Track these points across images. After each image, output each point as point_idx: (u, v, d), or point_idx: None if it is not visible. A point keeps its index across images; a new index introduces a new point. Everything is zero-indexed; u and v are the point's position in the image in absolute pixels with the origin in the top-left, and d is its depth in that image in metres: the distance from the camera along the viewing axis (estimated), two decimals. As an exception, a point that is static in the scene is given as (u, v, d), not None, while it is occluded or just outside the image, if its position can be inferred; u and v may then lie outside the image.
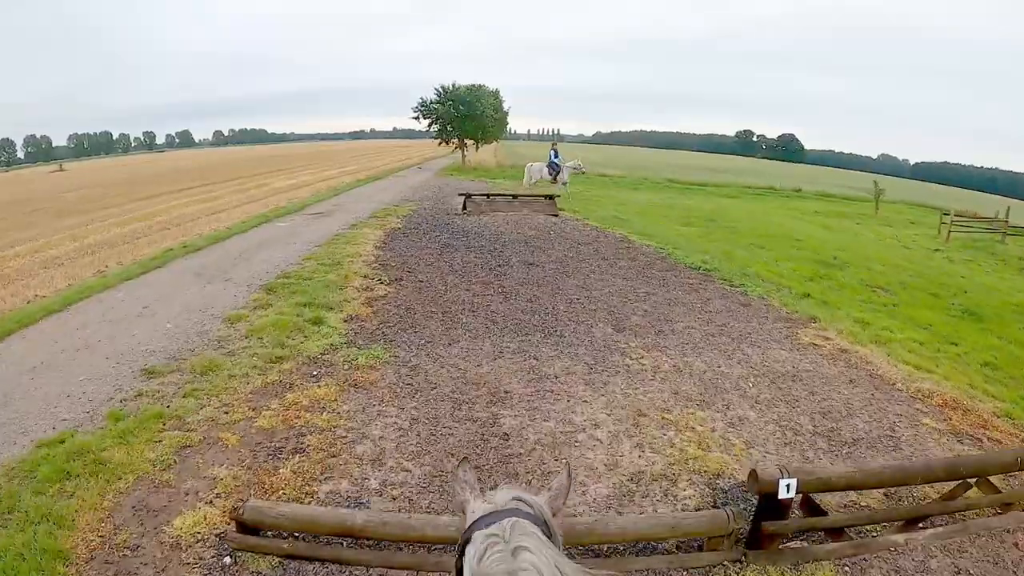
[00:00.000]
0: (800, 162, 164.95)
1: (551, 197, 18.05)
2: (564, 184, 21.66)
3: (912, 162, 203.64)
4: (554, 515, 1.35)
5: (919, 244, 21.99)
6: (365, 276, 10.18)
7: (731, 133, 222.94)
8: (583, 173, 22.65)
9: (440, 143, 37.75)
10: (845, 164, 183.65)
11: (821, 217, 26.84)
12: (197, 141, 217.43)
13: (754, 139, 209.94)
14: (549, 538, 1.24)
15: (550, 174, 22.03)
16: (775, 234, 18.31)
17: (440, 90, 36.70)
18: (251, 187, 27.67)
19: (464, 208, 16.95)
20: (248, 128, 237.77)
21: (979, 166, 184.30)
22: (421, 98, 36.92)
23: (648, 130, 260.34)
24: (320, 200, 21.17)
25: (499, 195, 18.22)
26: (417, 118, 37.11)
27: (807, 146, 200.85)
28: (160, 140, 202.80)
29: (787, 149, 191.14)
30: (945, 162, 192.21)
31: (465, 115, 36.12)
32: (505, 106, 63.71)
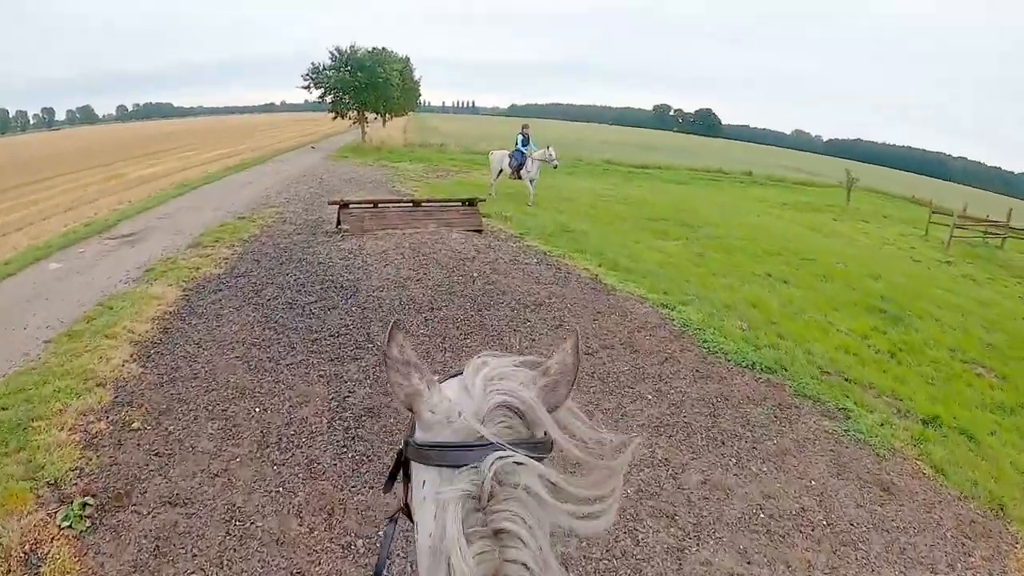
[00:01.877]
0: (717, 136, 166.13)
1: (471, 202, 12.29)
2: (531, 181, 15.95)
3: (825, 138, 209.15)
4: (552, 412, 0.92)
5: (922, 253, 17.81)
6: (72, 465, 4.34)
7: (648, 107, 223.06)
8: (555, 167, 16.54)
9: (335, 117, 30.99)
10: (760, 139, 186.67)
11: (793, 211, 22.45)
12: (101, 116, 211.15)
13: (671, 113, 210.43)
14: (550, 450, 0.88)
15: (510, 165, 16.15)
16: (777, 248, 13.50)
17: (335, 54, 29.94)
18: (97, 180, 20.65)
19: (338, 224, 11.00)
20: (154, 102, 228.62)
21: (892, 144, 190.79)
22: (312, 63, 30.12)
23: (565, 103, 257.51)
24: (152, 206, 14.63)
25: (391, 203, 12.32)
26: (308, 87, 30.18)
27: (723, 121, 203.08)
28: (60, 116, 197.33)
29: (704, 123, 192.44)
30: (859, 139, 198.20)
31: (365, 84, 29.51)
32: (416, 75, 57.43)
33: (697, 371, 6.46)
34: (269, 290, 7.94)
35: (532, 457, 0.86)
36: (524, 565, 0.80)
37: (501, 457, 0.84)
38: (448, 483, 0.86)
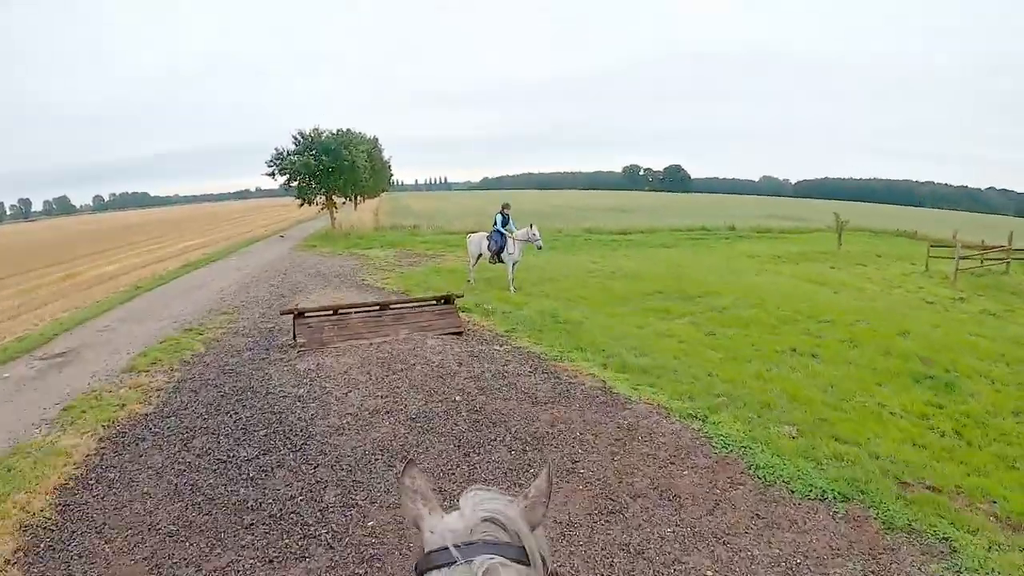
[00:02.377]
0: (688, 191, 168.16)
1: (448, 299, 10.71)
2: (514, 265, 14.26)
3: (793, 181, 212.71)
4: (533, 529, 1.14)
5: (932, 292, 16.63)
6: None
7: (618, 168, 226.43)
8: (539, 248, 14.48)
9: (301, 203, 29.66)
10: (729, 189, 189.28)
11: (788, 264, 21.24)
12: (78, 207, 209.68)
13: (640, 173, 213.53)
14: (528, 563, 1.06)
15: (489, 249, 14.41)
16: (790, 313, 12.18)
17: (299, 138, 28.93)
18: (51, 281, 19.01)
19: (295, 338, 9.39)
20: (130, 192, 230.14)
21: (858, 178, 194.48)
22: (276, 149, 29.03)
23: (536, 172, 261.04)
24: (96, 315, 12.95)
25: (355, 308, 10.39)
26: (272, 174, 28.98)
27: (692, 175, 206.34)
28: (37, 207, 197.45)
29: (674, 179, 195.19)
30: (826, 177, 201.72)
31: (331, 167, 28.39)
32: (386, 155, 56.99)
33: (759, 517, 4.89)
34: (201, 440, 6.27)
35: (513, 561, 1.02)
36: None
37: (489, 558, 1.00)
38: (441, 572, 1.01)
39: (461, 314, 10.98)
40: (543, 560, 1.11)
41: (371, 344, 9.04)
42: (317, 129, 28.78)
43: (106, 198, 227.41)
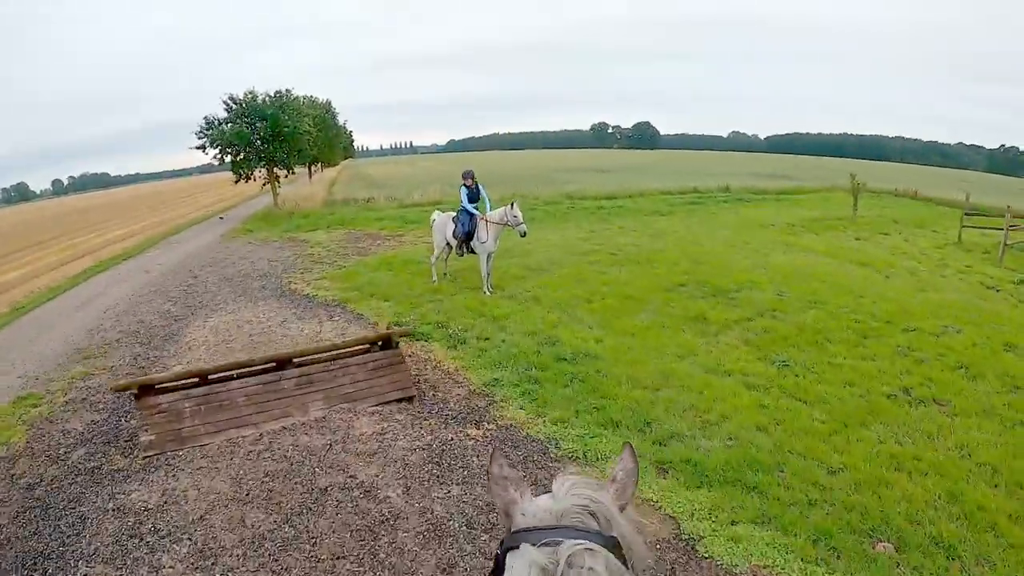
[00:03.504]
0: (657, 148, 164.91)
1: (389, 342, 6.75)
2: (488, 257, 10.62)
3: (763, 136, 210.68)
4: (622, 509, 1.14)
5: (986, 274, 13.68)
6: None
7: (585, 127, 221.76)
8: (523, 235, 10.41)
9: (237, 179, 25.43)
10: (698, 145, 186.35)
11: (810, 235, 18.03)
12: (38, 193, 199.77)
13: (609, 130, 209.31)
14: (618, 550, 1.02)
15: (455, 236, 10.70)
16: (863, 314, 9.14)
17: (230, 103, 24.33)
18: None
19: (145, 432, 5.58)
20: (91, 172, 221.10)
21: (828, 133, 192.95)
22: (205, 118, 24.39)
23: (503, 132, 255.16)
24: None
25: (238, 370, 6.07)
26: (202, 147, 24.62)
27: (661, 132, 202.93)
28: None
29: (642, 136, 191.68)
30: (795, 132, 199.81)
31: (269, 135, 24.25)
32: (342, 120, 52.39)
33: None
34: None
35: (602, 547, 1.00)
36: None
37: (576, 543, 0.97)
38: (528, 555, 0.98)
39: (417, 342, 7.52)
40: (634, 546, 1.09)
41: (260, 437, 5.47)
42: (252, 93, 24.34)
43: (65, 181, 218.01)
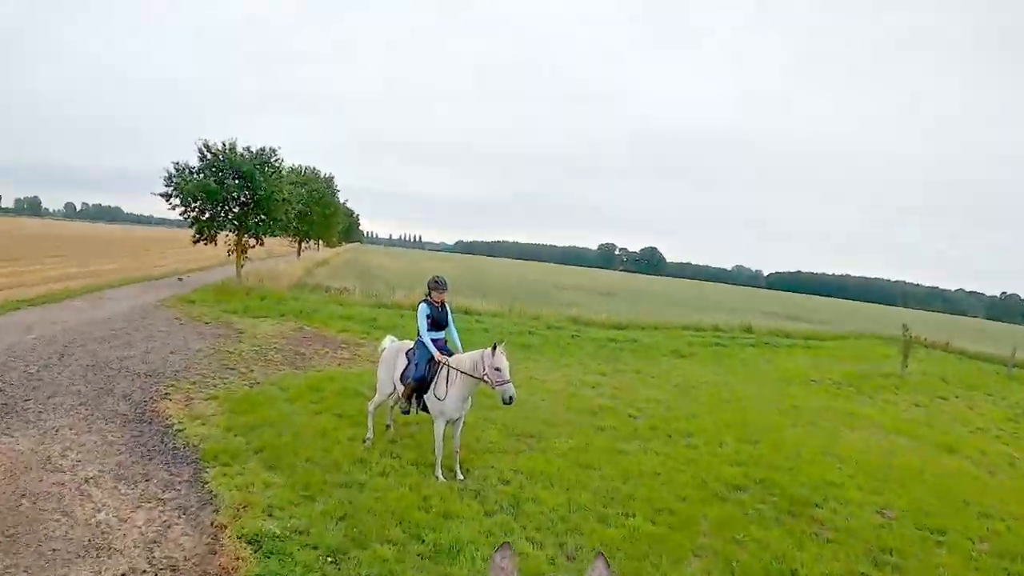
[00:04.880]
0: (660, 274, 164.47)
1: None
2: (455, 424, 6.66)
3: (766, 272, 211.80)
4: None
5: None
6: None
7: (593, 246, 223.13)
8: (509, 401, 6.18)
9: (196, 239, 21.52)
10: (703, 275, 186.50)
11: (864, 399, 14.31)
12: (51, 211, 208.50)
13: (616, 252, 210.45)
14: None
15: (403, 381, 6.85)
16: (994, 559, 5.09)
17: (204, 152, 20.91)
18: None
19: None
20: (104, 204, 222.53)
21: (831, 273, 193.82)
22: (174, 163, 20.97)
23: (511, 240, 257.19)
24: None
25: None
26: (167, 196, 21.09)
27: (667, 259, 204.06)
28: (8, 203, 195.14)
29: (649, 261, 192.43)
30: (799, 271, 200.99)
31: (245, 195, 20.88)
32: (350, 203, 49.71)
33: None
34: None
35: None
36: None
37: None
38: None
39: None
40: None
41: None
42: (232, 144, 21.25)
43: (78, 207, 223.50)
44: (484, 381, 6.32)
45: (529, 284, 42.60)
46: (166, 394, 8.36)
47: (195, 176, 20.68)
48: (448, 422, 6.58)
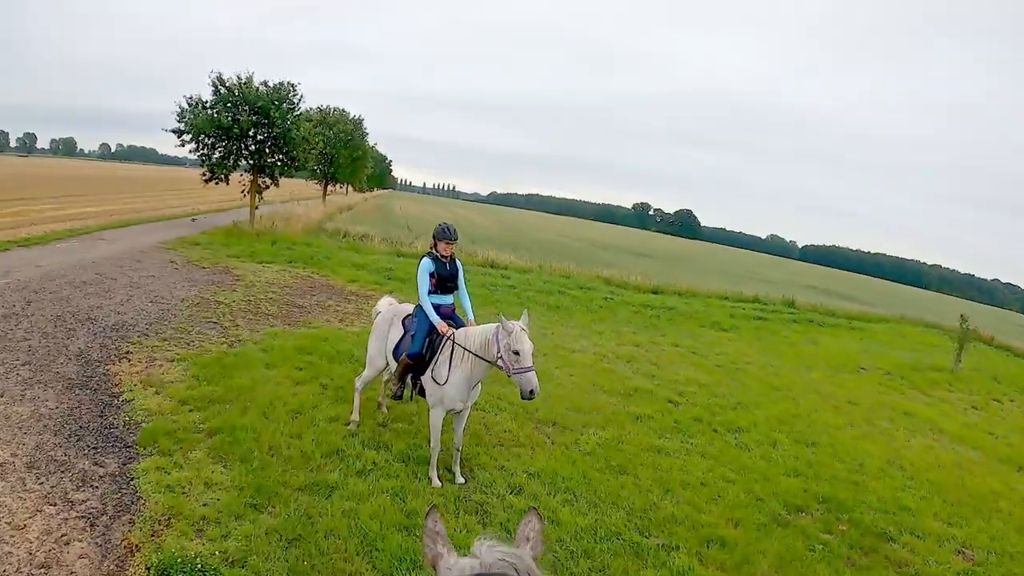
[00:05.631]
0: (695, 238, 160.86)
1: None
2: (460, 416, 5.30)
3: (800, 244, 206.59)
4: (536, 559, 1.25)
5: None
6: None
7: (628, 204, 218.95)
8: (530, 396, 4.76)
9: (207, 179, 20.29)
10: (737, 242, 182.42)
11: (918, 395, 12.66)
12: (87, 152, 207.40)
13: (651, 212, 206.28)
14: None
15: (396, 357, 5.49)
16: None
17: (218, 85, 19.39)
18: None
19: None
20: (138, 145, 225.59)
21: (866, 251, 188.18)
22: (186, 97, 19.65)
23: (545, 194, 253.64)
24: None
25: None
26: (178, 133, 19.88)
27: (702, 223, 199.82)
28: (44, 144, 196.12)
29: (684, 225, 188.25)
30: (834, 245, 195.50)
31: (249, 128, 19.30)
32: (382, 149, 47.99)
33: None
34: None
35: None
36: None
37: None
38: None
39: None
40: None
41: None
42: (248, 78, 19.73)
43: (113, 147, 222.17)
44: (498, 366, 4.90)
45: (562, 240, 40.95)
46: (126, 353, 7.14)
47: (208, 111, 19.31)
48: (452, 415, 5.25)
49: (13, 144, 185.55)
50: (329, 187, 39.97)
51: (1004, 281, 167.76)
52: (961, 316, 18.42)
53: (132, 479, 4.55)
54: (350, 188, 58.46)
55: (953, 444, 9.32)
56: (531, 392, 4.69)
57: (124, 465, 4.79)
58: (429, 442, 5.25)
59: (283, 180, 24.42)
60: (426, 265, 5.33)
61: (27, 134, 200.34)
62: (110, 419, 5.52)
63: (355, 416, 5.96)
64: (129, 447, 5.07)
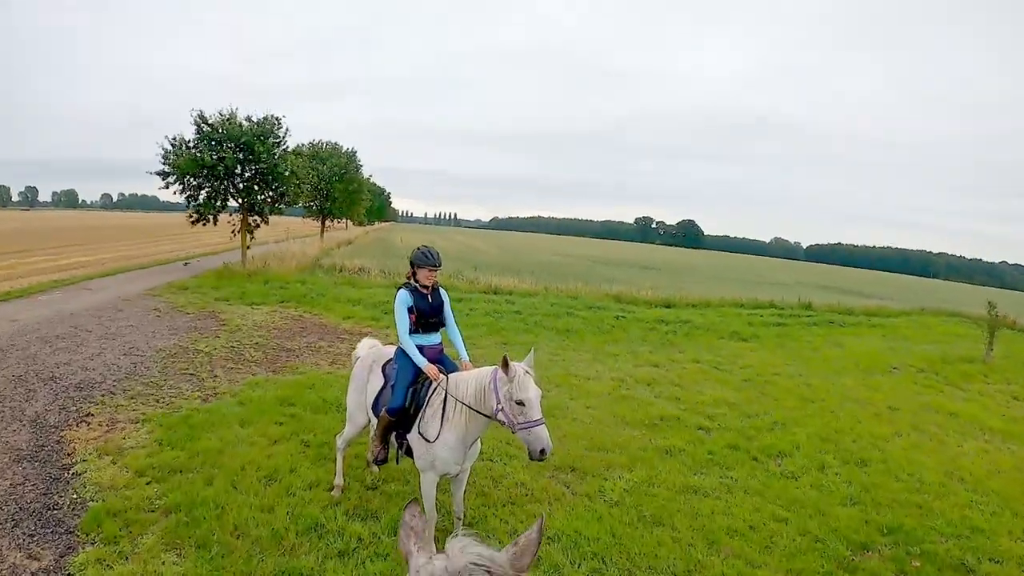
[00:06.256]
0: (699, 247, 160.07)
1: None
2: (457, 480, 4.44)
3: (805, 245, 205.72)
4: (523, 572, 1.14)
5: None
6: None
7: (630, 220, 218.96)
8: (541, 456, 3.83)
9: (194, 220, 19.54)
10: (741, 248, 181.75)
11: (956, 391, 11.66)
12: (89, 203, 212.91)
13: (653, 226, 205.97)
14: None
15: (376, 411, 4.65)
16: None
17: (200, 123, 18.84)
18: None
19: None
20: (140, 194, 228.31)
21: (872, 245, 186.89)
22: (169, 139, 18.98)
23: (547, 216, 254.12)
24: None
25: None
26: (163, 176, 19.06)
27: (705, 232, 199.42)
28: (45, 197, 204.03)
29: (687, 235, 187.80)
30: (839, 243, 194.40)
31: (232, 167, 18.61)
32: (371, 178, 47.39)
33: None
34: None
35: None
36: None
37: None
38: None
39: None
40: None
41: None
42: (231, 113, 19.06)
43: (115, 197, 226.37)
44: (498, 421, 3.99)
45: (565, 260, 40.12)
46: (86, 416, 6.34)
47: (191, 150, 18.68)
48: (450, 479, 4.41)
49: (16, 198, 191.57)
50: (328, 223, 39.47)
51: (1012, 263, 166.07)
52: (989, 303, 17.49)
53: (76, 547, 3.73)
54: (350, 223, 58.12)
55: (1006, 443, 8.48)
56: (541, 452, 3.77)
57: (61, 558, 3.97)
58: (424, 508, 4.39)
59: (279, 218, 23.88)
60: (403, 298, 4.46)
61: (28, 187, 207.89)
62: (55, 497, 4.71)
63: (338, 480, 5.09)
64: (71, 533, 4.25)
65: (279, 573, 3.88)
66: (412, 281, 4.55)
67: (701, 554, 4.60)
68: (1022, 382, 13.29)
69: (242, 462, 5.34)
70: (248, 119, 19.20)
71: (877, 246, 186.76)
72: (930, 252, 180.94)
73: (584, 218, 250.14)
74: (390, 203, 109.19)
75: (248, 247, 20.37)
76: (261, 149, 18.53)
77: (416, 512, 1.31)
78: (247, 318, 12.19)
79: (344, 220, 49.06)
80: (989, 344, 16.12)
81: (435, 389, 4.25)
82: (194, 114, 18.76)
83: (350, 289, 16.50)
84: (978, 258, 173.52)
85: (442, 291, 4.67)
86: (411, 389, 4.32)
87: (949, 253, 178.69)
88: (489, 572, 1.08)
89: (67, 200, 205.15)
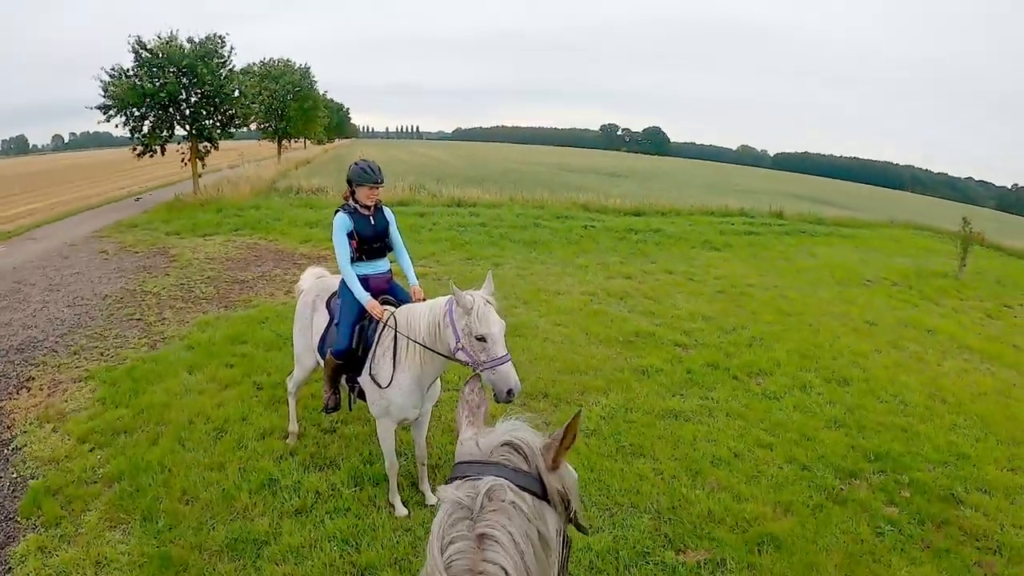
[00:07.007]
0: (665, 154, 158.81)
1: None
2: (418, 424, 4.06)
3: (772, 152, 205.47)
4: (550, 469, 1.09)
5: None
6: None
7: (595, 127, 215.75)
8: (504, 398, 3.33)
9: (140, 153, 18.35)
10: (708, 155, 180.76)
11: (931, 306, 11.76)
12: (40, 147, 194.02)
13: (619, 132, 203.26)
14: (543, 496, 1.03)
15: (321, 350, 4.20)
16: None
17: (140, 49, 17.27)
18: None
19: None
20: (92, 132, 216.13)
21: (839, 155, 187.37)
22: (107, 69, 17.44)
23: (510, 125, 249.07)
24: None
25: None
26: (104, 110, 17.57)
27: (671, 139, 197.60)
28: None
29: (652, 141, 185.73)
30: (806, 152, 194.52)
31: (176, 93, 17.33)
32: (327, 94, 45.32)
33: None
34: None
35: (524, 488, 0.99)
36: (501, 567, 0.89)
37: (496, 479, 0.98)
38: (446, 493, 0.99)
39: None
40: (563, 498, 1.07)
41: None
42: (171, 35, 17.54)
43: (66, 138, 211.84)
44: (458, 360, 3.52)
45: (531, 169, 39.14)
46: (27, 380, 5.79)
47: (130, 79, 17.30)
48: (418, 423, 4.03)
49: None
50: (285, 143, 37.83)
51: (977, 179, 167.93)
52: (963, 219, 17.18)
53: (9, 569, 3.34)
54: (308, 143, 55.97)
55: (985, 363, 8.29)
56: (508, 392, 3.30)
57: (1, 550, 3.56)
58: (385, 464, 4.02)
59: (232, 143, 22.65)
60: (341, 223, 3.89)
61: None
62: (-8, 479, 4.26)
63: (292, 427, 4.71)
64: (11, 519, 3.83)
65: (231, 541, 3.54)
66: (351, 202, 3.98)
67: (685, 487, 4.37)
68: (994, 300, 13.19)
69: (190, 415, 4.93)
70: (190, 40, 17.76)
71: (844, 156, 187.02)
72: (897, 164, 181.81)
73: (549, 125, 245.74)
74: (349, 119, 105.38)
75: (200, 175, 19.28)
76: (205, 71, 17.25)
77: (476, 387, 1.28)
78: (199, 251, 11.50)
79: (302, 140, 47.20)
80: (962, 260, 15.95)
81: (383, 328, 3.78)
82: (131, 40, 17.26)
83: (308, 211, 15.74)
84: (944, 172, 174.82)
85: (386, 210, 4.10)
86: (357, 327, 3.83)
87: (916, 167, 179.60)
88: (524, 455, 1.05)
89: (17, 147, 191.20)
